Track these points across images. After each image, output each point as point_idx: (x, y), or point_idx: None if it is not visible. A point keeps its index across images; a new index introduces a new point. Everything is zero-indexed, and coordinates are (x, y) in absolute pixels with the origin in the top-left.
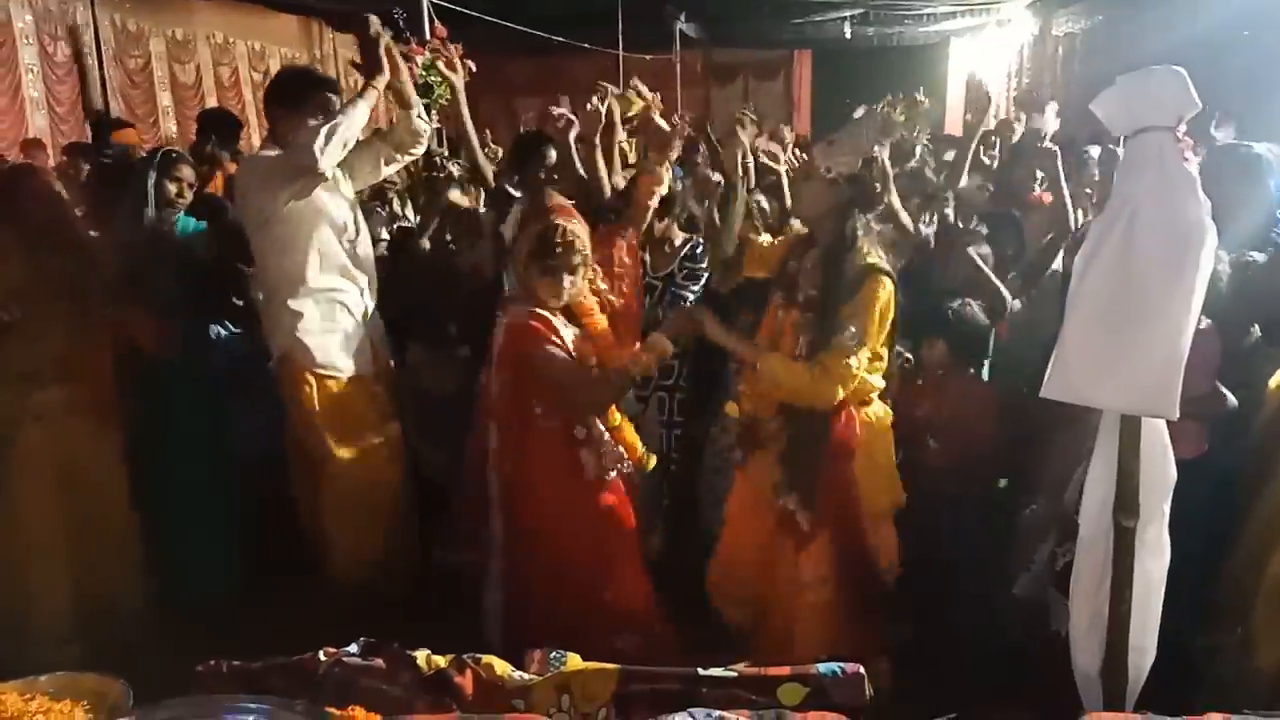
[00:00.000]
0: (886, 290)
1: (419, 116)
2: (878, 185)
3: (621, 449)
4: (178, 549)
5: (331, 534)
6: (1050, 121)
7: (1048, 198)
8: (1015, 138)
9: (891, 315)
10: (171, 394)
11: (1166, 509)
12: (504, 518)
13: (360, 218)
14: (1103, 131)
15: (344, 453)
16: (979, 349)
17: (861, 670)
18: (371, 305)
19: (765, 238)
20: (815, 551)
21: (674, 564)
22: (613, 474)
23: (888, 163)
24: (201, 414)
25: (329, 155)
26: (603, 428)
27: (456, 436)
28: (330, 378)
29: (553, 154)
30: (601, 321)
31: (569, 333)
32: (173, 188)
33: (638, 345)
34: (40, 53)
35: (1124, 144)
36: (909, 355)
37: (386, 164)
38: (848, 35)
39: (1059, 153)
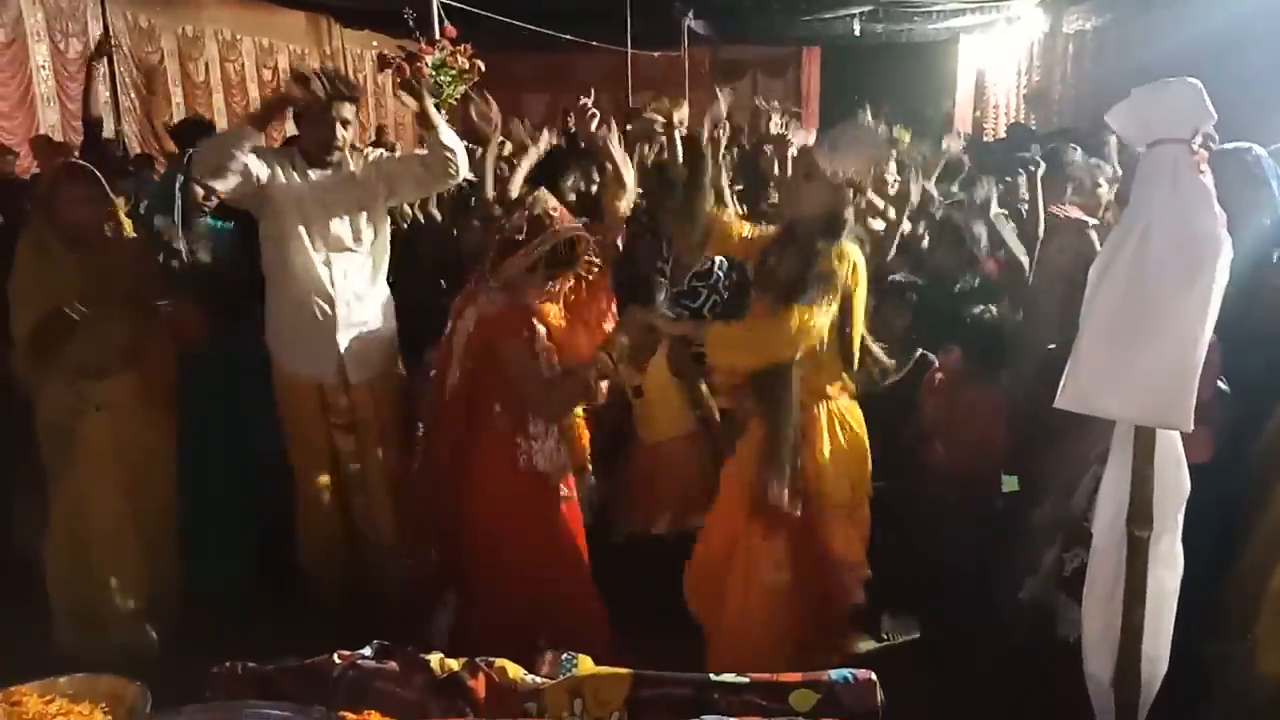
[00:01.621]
0: (843, 261)
1: (446, 138)
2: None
3: (565, 456)
4: (202, 539)
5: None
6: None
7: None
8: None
9: (843, 289)
10: (203, 388)
11: (1180, 519)
12: (454, 519)
13: (364, 231)
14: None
15: (296, 459)
16: (996, 357)
17: (873, 677)
18: (353, 317)
19: (745, 226)
20: (778, 543)
21: None
22: (556, 478)
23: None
24: (228, 409)
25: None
26: (552, 431)
27: None
28: (296, 383)
29: (572, 169)
30: (559, 321)
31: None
32: (199, 190)
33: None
34: (51, 50)
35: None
36: (933, 357)
37: (419, 186)
38: (857, 32)
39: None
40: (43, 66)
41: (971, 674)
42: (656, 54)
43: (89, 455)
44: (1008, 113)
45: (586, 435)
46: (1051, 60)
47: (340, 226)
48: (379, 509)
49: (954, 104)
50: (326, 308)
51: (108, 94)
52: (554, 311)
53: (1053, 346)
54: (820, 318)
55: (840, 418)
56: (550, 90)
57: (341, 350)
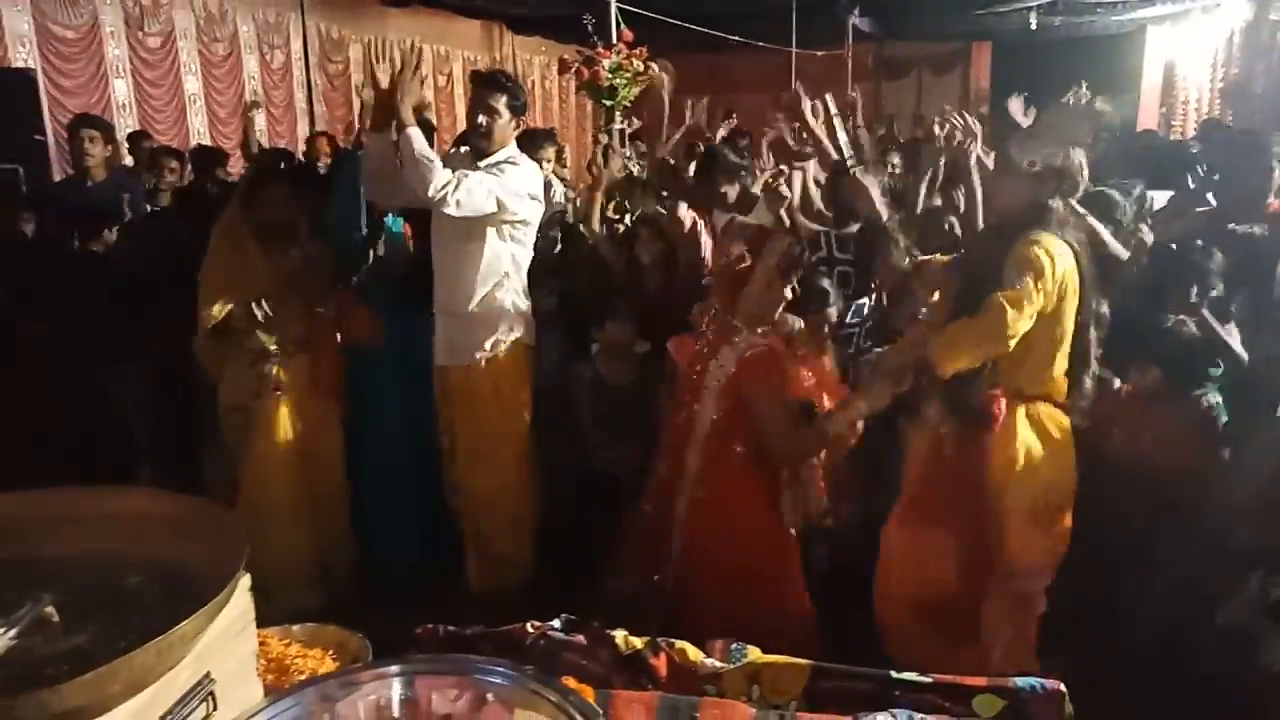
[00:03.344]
0: (1047, 251)
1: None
2: (1079, 177)
3: (823, 499)
4: (376, 521)
5: None
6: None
7: None
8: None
9: (1063, 284)
10: (379, 378)
11: None
12: (686, 540)
13: (469, 224)
14: None
15: None
16: (1197, 372)
17: (1062, 688)
18: (437, 298)
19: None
20: (944, 537)
21: None
22: (790, 522)
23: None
24: (402, 398)
25: None
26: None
27: (632, 431)
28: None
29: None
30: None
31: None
32: None
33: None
34: (260, 61)
35: None
36: (1116, 379)
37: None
38: (1033, 25)
39: None
40: (252, 77)
41: (1157, 697)
42: (820, 53)
43: (266, 433)
44: (1199, 109)
45: (823, 485)
46: (1254, 51)
47: (445, 214)
48: (471, 502)
49: (1138, 101)
50: (435, 292)
51: (305, 102)
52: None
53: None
54: (1030, 305)
55: (1039, 423)
56: (710, 92)
57: (439, 333)
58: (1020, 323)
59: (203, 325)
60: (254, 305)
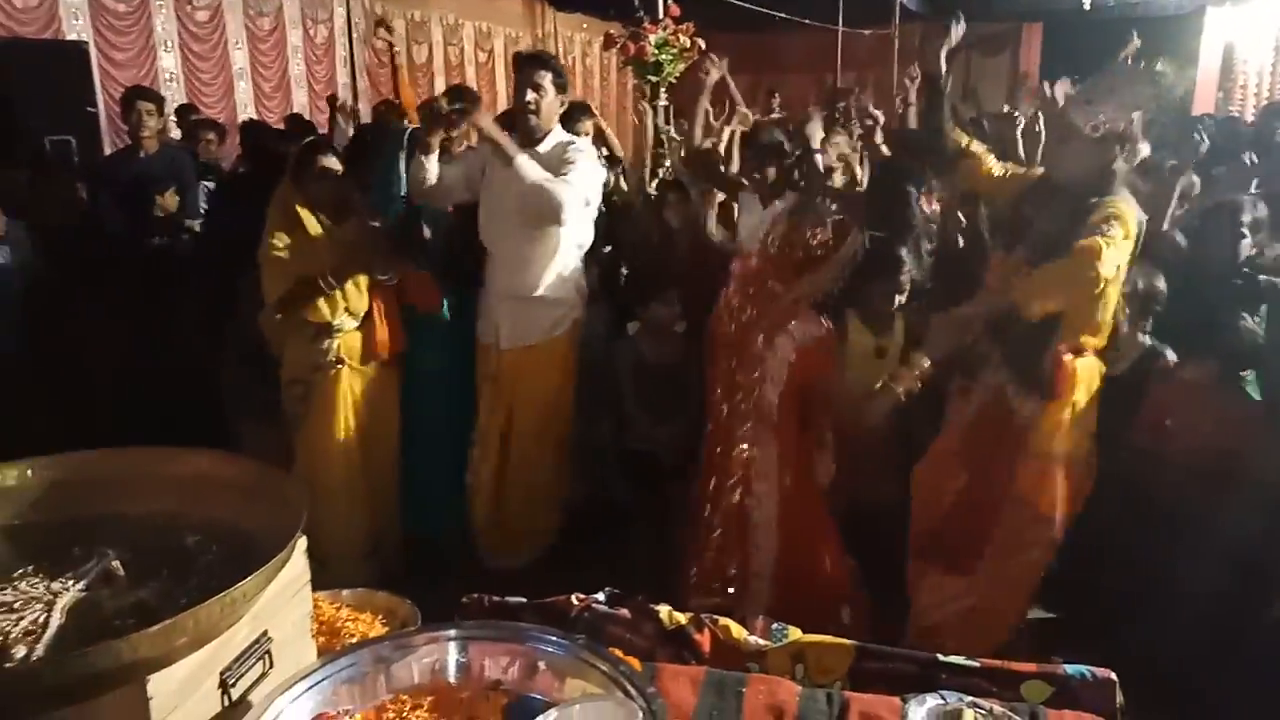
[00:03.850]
0: (1126, 211)
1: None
2: (1140, 142)
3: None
4: (419, 493)
5: None
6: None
7: None
8: None
9: (1130, 247)
10: (424, 351)
11: None
12: (780, 531)
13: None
14: None
15: None
16: (1250, 363)
17: (1113, 676)
18: (495, 283)
19: (995, 163)
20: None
21: None
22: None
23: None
24: (445, 373)
25: None
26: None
27: (673, 410)
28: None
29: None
30: None
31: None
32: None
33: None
34: (304, 36)
35: None
36: (1171, 354)
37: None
38: (1086, 6)
39: None
40: (296, 51)
41: (1210, 686)
42: (866, 32)
43: (324, 406)
44: (1259, 93)
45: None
46: None
47: (506, 200)
48: (512, 475)
49: (1194, 83)
50: (492, 275)
51: (348, 78)
52: None
53: None
54: (1116, 251)
55: (1088, 375)
56: (752, 71)
57: (500, 318)
58: (1107, 267)
59: (267, 299)
60: (321, 280)
